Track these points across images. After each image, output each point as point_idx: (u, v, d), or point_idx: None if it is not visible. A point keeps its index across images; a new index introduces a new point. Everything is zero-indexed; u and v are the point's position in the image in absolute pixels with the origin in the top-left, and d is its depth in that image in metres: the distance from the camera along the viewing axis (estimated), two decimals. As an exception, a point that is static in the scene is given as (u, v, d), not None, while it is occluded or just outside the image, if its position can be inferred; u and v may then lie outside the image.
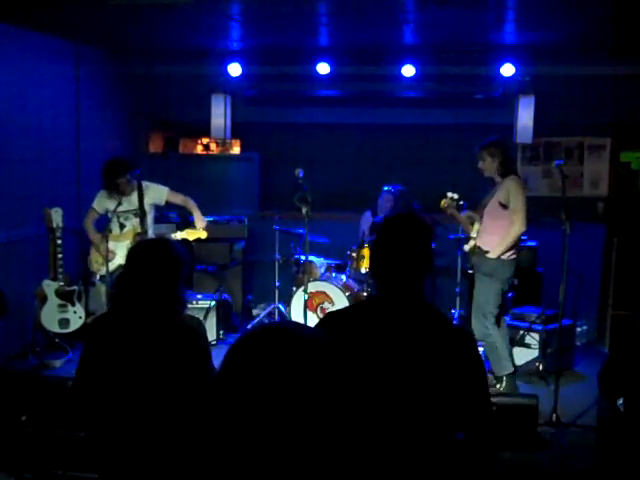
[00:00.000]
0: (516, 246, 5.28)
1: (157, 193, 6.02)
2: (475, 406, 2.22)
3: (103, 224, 5.86)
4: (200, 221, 6.00)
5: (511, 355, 5.37)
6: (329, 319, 2.41)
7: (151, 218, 6.06)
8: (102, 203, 5.95)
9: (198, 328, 2.93)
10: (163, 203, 6.11)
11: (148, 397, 2.62)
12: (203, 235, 5.97)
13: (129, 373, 2.65)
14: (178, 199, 6.12)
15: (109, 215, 5.84)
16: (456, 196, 5.57)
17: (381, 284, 2.35)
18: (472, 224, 5.57)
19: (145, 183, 6.00)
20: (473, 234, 5.50)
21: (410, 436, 2.17)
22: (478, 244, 5.37)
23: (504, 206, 5.21)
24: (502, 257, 5.21)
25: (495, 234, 5.24)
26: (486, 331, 5.23)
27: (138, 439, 2.63)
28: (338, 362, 1.37)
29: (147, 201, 5.95)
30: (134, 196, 5.92)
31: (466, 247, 5.57)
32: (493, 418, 2.35)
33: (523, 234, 5.40)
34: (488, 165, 5.32)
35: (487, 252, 5.25)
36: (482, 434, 2.22)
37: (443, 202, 5.59)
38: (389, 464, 2.16)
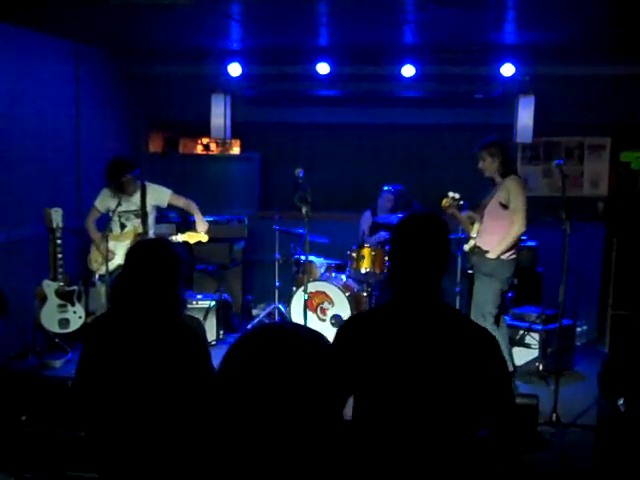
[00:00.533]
0: (516, 246, 5.28)
1: (160, 195, 6.02)
2: (499, 405, 2.22)
3: (104, 223, 5.87)
4: (202, 225, 6.00)
5: (510, 355, 5.37)
6: (352, 323, 2.39)
7: (152, 219, 6.06)
8: (104, 202, 5.95)
9: (197, 328, 2.93)
10: (165, 205, 6.12)
11: (148, 397, 2.63)
12: (204, 239, 5.98)
13: (129, 373, 2.65)
14: (181, 202, 6.13)
15: (110, 214, 5.85)
16: (457, 196, 5.55)
17: (402, 286, 2.31)
18: (472, 224, 5.57)
19: (148, 184, 6.01)
20: (473, 234, 5.50)
21: (433, 434, 2.17)
22: (478, 244, 5.37)
23: (504, 206, 5.21)
24: (502, 257, 5.21)
25: (495, 234, 5.24)
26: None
27: (138, 439, 2.63)
28: (335, 362, 1.37)
29: (149, 202, 5.96)
30: (136, 196, 5.92)
31: (466, 247, 5.57)
32: (517, 416, 2.33)
33: (523, 234, 5.39)
34: (488, 165, 5.32)
35: (487, 252, 5.25)
36: (506, 432, 2.22)
37: (444, 201, 5.56)
38: (411, 462, 2.16)
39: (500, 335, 5.28)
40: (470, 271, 5.76)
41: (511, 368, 5.28)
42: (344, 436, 2.22)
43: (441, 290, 2.30)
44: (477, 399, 2.19)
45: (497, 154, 5.27)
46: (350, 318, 2.48)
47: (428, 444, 2.18)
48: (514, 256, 5.28)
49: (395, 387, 2.20)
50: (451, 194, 5.54)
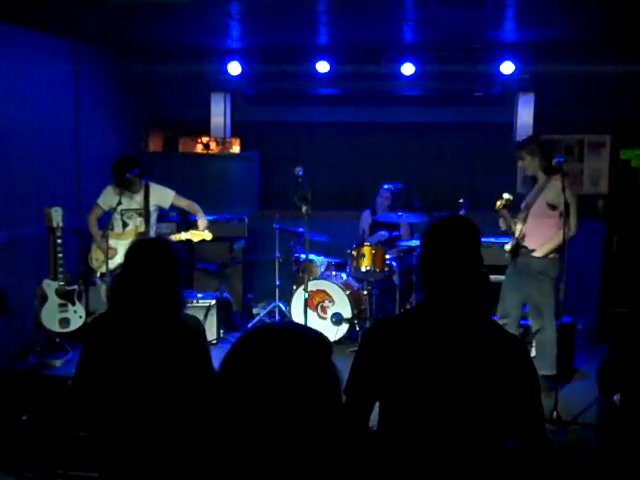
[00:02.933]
0: (562, 247, 5.24)
1: (163, 196, 6.03)
2: (527, 414, 2.19)
3: (106, 221, 5.87)
4: (202, 221, 6.01)
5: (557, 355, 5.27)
6: (378, 327, 2.34)
7: (154, 218, 6.07)
8: (107, 200, 5.95)
9: (196, 326, 2.93)
10: (168, 206, 6.14)
11: (148, 396, 2.63)
12: (208, 237, 5.99)
13: (129, 372, 2.65)
14: (183, 204, 6.14)
15: (112, 212, 5.85)
16: (512, 197, 5.44)
17: (431, 291, 2.25)
18: (514, 224, 5.51)
19: (152, 184, 6.02)
20: (516, 234, 5.45)
21: (461, 441, 2.15)
22: (525, 244, 5.35)
23: (553, 207, 5.20)
24: (549, 256, 5.22)
25: (543, 234, 5.24)
26: (542, 326, 5.23)
27: (138, 437, 2.63)
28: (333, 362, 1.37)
29: (152, 202, 5.96)
30: (140, 195, 5.93)
31: (507, 247, 5.49)
32: (544, 427, 2.28)
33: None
34: (528, 163, 5.31)
35: (533, 251, 5.25)
36: (533, 442, 2.19)
37: (499, 203, 5.40)
38: (438, 470, 2.14)
39: (555, 333, 5.26)
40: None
41: (554, 371, 5.14)
42: (369, 443, 2.21)
43: (473, 295, 2.23)
44: (506, 408, 2.15)
45: (536, 151, 5.27)
46: (377, 322, 2.41)
47: (455, 452, 2.15)
48: (558, 255, 5.26)
49: (422, 394, 2.16)
50: (506, 195, 5.40)
